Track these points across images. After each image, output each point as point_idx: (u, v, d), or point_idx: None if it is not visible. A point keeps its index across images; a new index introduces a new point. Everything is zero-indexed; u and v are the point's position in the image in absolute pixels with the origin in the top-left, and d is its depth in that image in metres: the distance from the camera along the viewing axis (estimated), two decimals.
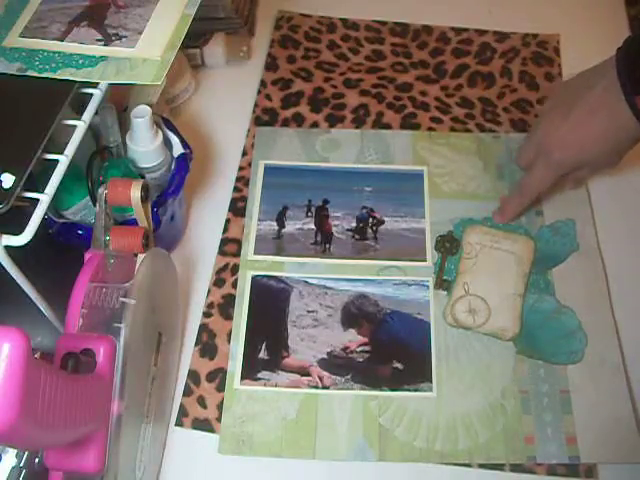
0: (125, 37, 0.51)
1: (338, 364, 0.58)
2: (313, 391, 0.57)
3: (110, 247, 0.48)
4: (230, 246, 0.65)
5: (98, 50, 0.50)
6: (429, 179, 0.69)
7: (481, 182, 0.68)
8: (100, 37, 0.51)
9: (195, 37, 0.76)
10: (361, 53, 0.80)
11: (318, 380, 0.57)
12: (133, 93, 0.60)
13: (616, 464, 0.54)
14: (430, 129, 0.73)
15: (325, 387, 0.57)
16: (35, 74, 0.49)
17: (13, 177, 0.42)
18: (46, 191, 0.44)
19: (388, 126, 0.74)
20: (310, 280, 0.62)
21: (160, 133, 0.57)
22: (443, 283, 0.62)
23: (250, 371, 0.58)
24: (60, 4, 0.54)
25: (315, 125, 0.74)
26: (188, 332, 0.60)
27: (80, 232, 0.54)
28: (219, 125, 0.74)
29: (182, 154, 0.59)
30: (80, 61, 0.50)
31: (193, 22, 0.52)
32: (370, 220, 0.66)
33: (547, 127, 0.58)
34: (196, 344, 0.60)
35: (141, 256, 0.48)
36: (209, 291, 0.62)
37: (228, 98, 0.76)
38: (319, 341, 0.59)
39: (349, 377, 0.57)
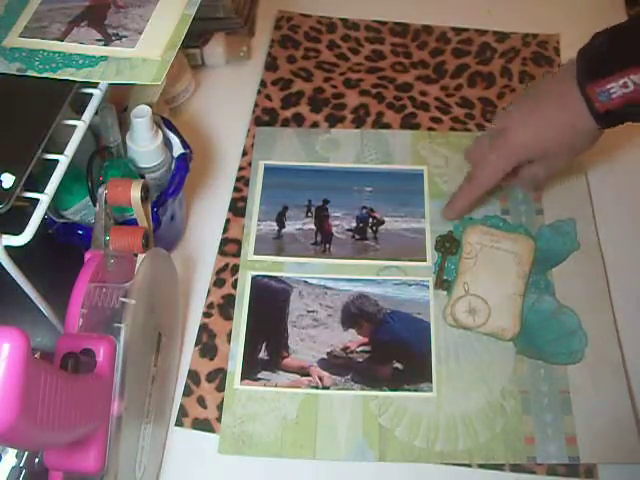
0: (125, 37, 0.51)
1: (338, 364, 0.58)
2: (313, 391, 0.57)
3: (110, 247, 0.48)
4: (230, 246, 0.65)
5: (98, 50, 0.50)
6: (429, 179, 0.69)
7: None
8: (100, 37, 0.51)
9: (195, 37, 0.76)
10: (361, 53, 0.80)
11: (318, 380, 0.57)
12: (133, 93, 0.60)
13: (616, 464, 0.54)
14: (430, 129, 0.73)
15: (325, 387, 0.57)
16: (35, 74, 0.48)
17: (13, 177, 0.42)
18: (46, 191, 0.44)
19: (388, 126, 0.74)
20: (310, 280, 0.62)
21: (160, 133, 0.57)
22: (443, 283, 0.62)
23: (250, 371, 0.58)
24: (60, 4, 0.54)
25: (315, 125, 0.74)
26: (188, 332, 0.60)
27: (80, 232, 0.54)
28: (219, 125, 0.74)
29: (182, 154, 0.59)
30: (80, 61, 0.50)
31: (193, 22, 0.52)
32: (370, 220, 0.66)
33: (507, 117, 0.59)
34: (196, 344, 0.60)
35: (141, 256, 0.48)
36: (209, 291, 0.62)
37: (228, 98, 0.76)
38: (319, 341, 0.59)
39: (349, 377, 0.57)
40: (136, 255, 0.53)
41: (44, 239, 0.44)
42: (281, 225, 0.66)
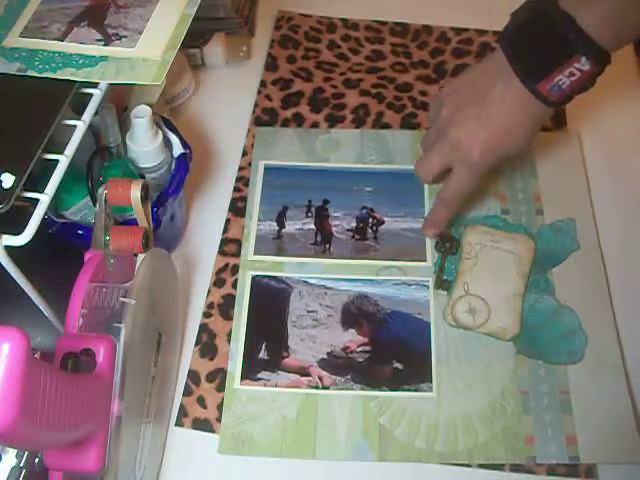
0: (125, 37, 0.51)
1: (338, 364, 0.58)
2: (313, 391, 0.57)
3: (110, 247, 0.48)
4: (230, 246, 0.65)
5: (98, 50, 0.50)
6: None
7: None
8: (100, 37, 0.51)
9: (195, 37, 0.76)
10: (361, 53, 0.80)
11: (318, 380, 0.57)
12: (133, 93, 0.60)
13: (616, 464, 0.54)
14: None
15: (325, 387, 0.57)
16: (35, 74, 0.48)
17: (13, 177, 0.42)
18: (46, 191, 0.44)
19: (388, 126, 0.74)
20: (310, 280, 0.62)
21: (160, 133, 0.57)
22: (443, 283, 0.62)
23: (250, 371, 0.58)
24: (60, 4, 0.54)
25: (315, 125, 0.74)
26: (188, 332, 0.60)
27: (80, 232, 0.54)
28: (219, 125, 0.74)
29: (182, 154, 0.59)
30: (80, 61, 0.50)
31: (193, 22, 0.52)
32: (370, 220, 0.66)
33: (459, 132, 0.57)
34: (196, 344, 0.60)
35: (141, 256, 0.48)
36: (209, 291, 0.62)
37: (228, 98, 0.76)
38: (319, 341, 0.59)
39: (349, 377, 0.57)
40: (136, 255, 0.53)
41: (44, 239, 0.44)
42: (281, 225, 0.66)
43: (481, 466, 0.54)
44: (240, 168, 0.70)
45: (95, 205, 0.50)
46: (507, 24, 0.57)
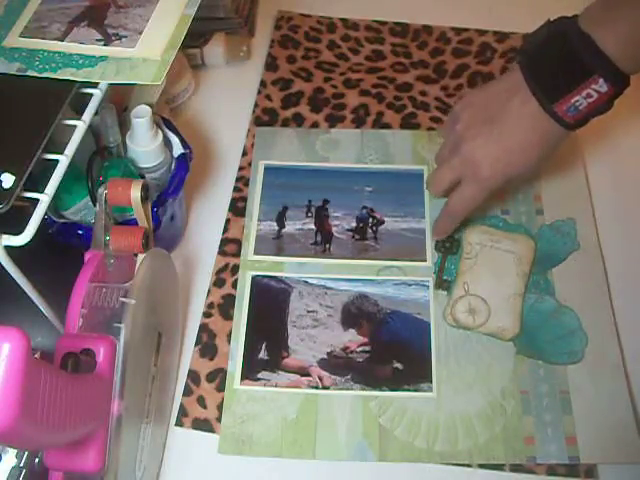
0: (125, 37, 0.51)
1: (338, 364, 0.58)
2: (313, 391, 0.57)
3: (110, 247, 0.48)
4: (230, 246, 0.65)
5: (98, 50, 0.50)
6: None
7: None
8: (100, 37, 0.51)
9: (195, 37, 0.76)
10: (361, 53, 0.80)
11: (318, 380, 0.57)
12: (133, 93, 0.60)
13: (616, 464, 0.54)
14: (430, 129, 0.73)
15: (325, 387, 0.57)
16: (35, 74, 0.48)
17: (13, 177, 0.42)
18: (46, 191, 0.44)
19: (388, 126, 0.74)
20: (310, 280, 0.62)
21: (160, 133, 0.57)
22: (443, 283, 0.62)
23: (250, 371, 0.58)
24: (60, 4, 0.54)
25: (315, 125, 0.74)
26: (188, 332, 0.60)
27: (80, 232, 0.54)
28: (219, 125, 0.74)
29: (182, 154, 0.59)
30: (80, 61, 0.50)
31: (193, 22, 0.52)
32: (370, 220, 0.66)
33: (472, 146, 0.57)
34: (196, 344, 0.60)
35: (141, 256, 0.48)
36: (209, 291, 0.62)
37: (228, 98, 0.76)
38: (319, 341, 0.59)
39: (349, 377, 0.57)
40: (136, 255, 0.53)
41: (44, 239, 0.44)
42: (281, 225, 0.66)
43: (481, 466, 0.54)
44: (240, 168, 0.70)
45: (95, 205, 0.50)
46: (526, 42, 0.56)
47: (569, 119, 0.53)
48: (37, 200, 0.43)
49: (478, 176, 0.57)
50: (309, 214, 0.67)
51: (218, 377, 0.58)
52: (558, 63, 0.53)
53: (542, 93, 0.53)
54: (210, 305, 0.62)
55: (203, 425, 0.56)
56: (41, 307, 0.48)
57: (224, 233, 0.66)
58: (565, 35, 0.52)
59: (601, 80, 0.50)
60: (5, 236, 0.42)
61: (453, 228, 0.63)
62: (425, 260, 0.64)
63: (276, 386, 0.57)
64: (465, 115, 0.59)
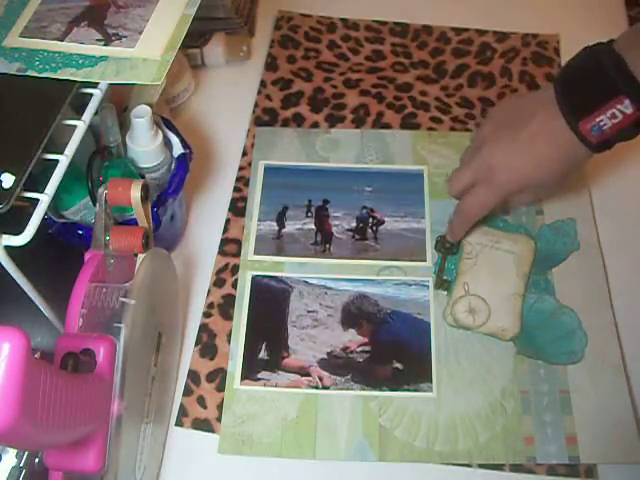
0: (125, 37, 0.51)
1: (338, 364, 0.58)
2: (313, 391, 0.57)
3: (110, 247, 0.48)
4: (230, 246, 0.65)
5: (98, 50, 0.50)
6: (429, 179, 0.69)
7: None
8: (100, 37, 0.51)
9: (195, 37, 0.76)
10: (361, 53, 0.80)
11: (318, 380, 0.57)
12: (133, 93, 0.60)
13: (616, 464, 0.54)
14: (430, 129, 0.73)
15: (325, 387, 0.57)
16: (35, 74, 0.48)
17: (13, 177, 0.42)
18: (46, 191, 0.44)
19: (388, 126, 0.74)
20: (310, 280, 0.62)
21: (160, 133, 0.57)
22: (443, 283, 0.62)
23: (250, 371, 0.58)
24: (60, 4, 0.54)
25: (315, 125, 0.74)
26: (188, 332, 0.60)
27: (80, 232, 0.54)
28: (219, 125, 0.74)
29: (182, 154, 0.59)
30: (80, 61, 0.50)
31: (193, 22, 0.52)
32: (370, 220, 0.66)
33: (492, 150, 0.57)
34: (196, 344, 0.60)
35: (141, 256, 0.48)
36: (209, 291, 0.62)
37: (228, 98, 0.76)
38: (319, 341, 0.59)
39: (349, 377, 0.57)
40: (136, 255, 0.53)
41: (44, 239, 0.44)
42: (281, 225, 0.66)
43: (481, 466, 0.54)
44: (240, 168, 0.70)
45: (95, 205, 0.50)
46: (565, 64, 0.56)
47: (593, 139, 0.53)
48: (37, 200, 0.43)
49: (493, 180, 0.57)
50: (309, 214, 0.67)
51: (218, 377, 0.58)
52: (588, 81, 0.53)
53: (568, 109, 0.53)
54: (210, 305, 0.62)
55: (203, 425, 0.56)
56: (41, 307, 0.48)
57: (224, 233, 0.66)
58: (598, 55, 0.52)
59: (627, 101, 0.50)
60: (5, 236, 0.42)
61: (465, 230, 0.62)
62: (425, 260, 0.64)
63: (276, 386, 0.57)
64: (493, 119, 0.59)
